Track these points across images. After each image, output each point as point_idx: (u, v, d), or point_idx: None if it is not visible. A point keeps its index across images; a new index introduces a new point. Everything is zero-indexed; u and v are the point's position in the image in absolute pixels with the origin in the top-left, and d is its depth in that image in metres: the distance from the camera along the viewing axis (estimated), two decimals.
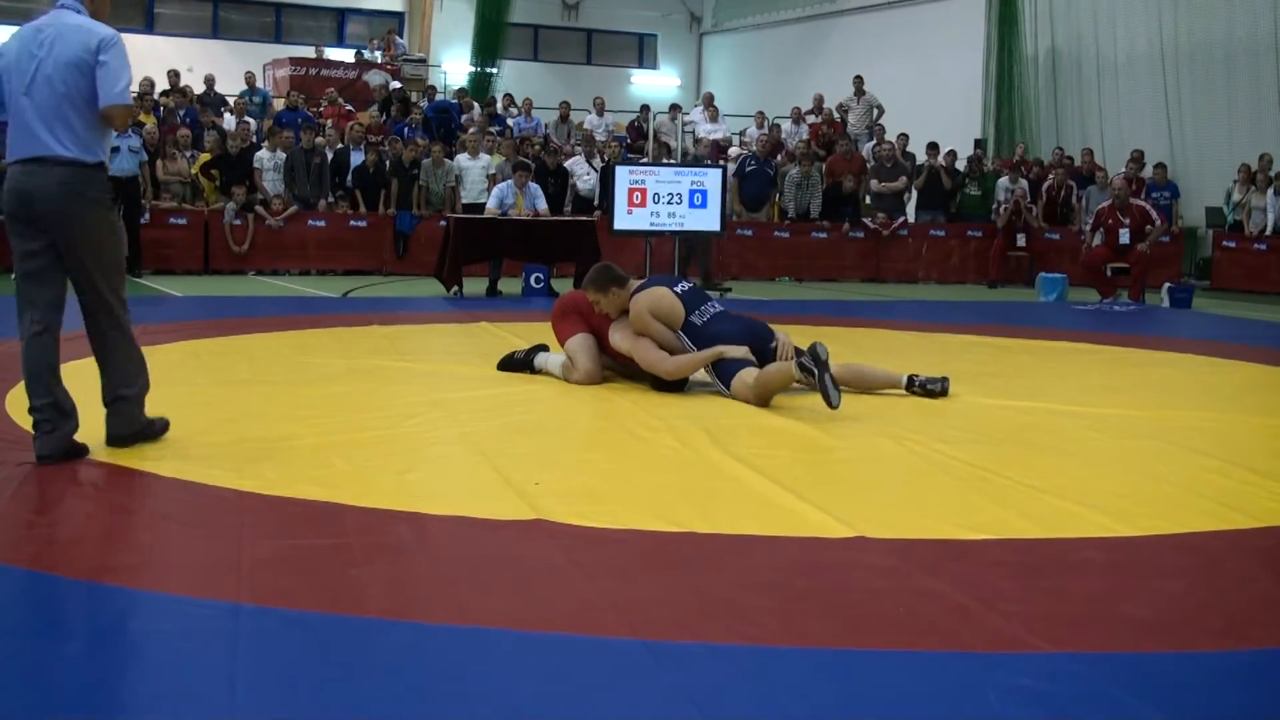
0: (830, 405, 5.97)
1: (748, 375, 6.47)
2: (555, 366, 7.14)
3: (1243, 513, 4.49)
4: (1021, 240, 16.97)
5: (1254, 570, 3.94)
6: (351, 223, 15.56)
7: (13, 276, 4.92)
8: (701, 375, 6.84)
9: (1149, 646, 3.20)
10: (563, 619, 3.27)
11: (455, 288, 12.77)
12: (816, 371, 6.01)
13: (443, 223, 13.90)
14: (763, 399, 6.38)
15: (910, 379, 6.79)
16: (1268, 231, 16.59)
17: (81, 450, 4.89)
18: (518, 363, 7.32)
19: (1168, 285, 14.11)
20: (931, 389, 6.72)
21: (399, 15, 27.00)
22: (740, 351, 6.61)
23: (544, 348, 7.36)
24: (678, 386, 6.78)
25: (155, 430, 5.17)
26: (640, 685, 2.88)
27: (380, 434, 5.52)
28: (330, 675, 2.89)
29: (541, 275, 12.85)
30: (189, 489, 4.50)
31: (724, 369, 6.61)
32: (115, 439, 5.02)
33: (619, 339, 6.86)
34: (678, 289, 6.84)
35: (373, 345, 8.56)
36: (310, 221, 15.38)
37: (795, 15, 25.97)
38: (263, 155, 15.56)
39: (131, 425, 5.05)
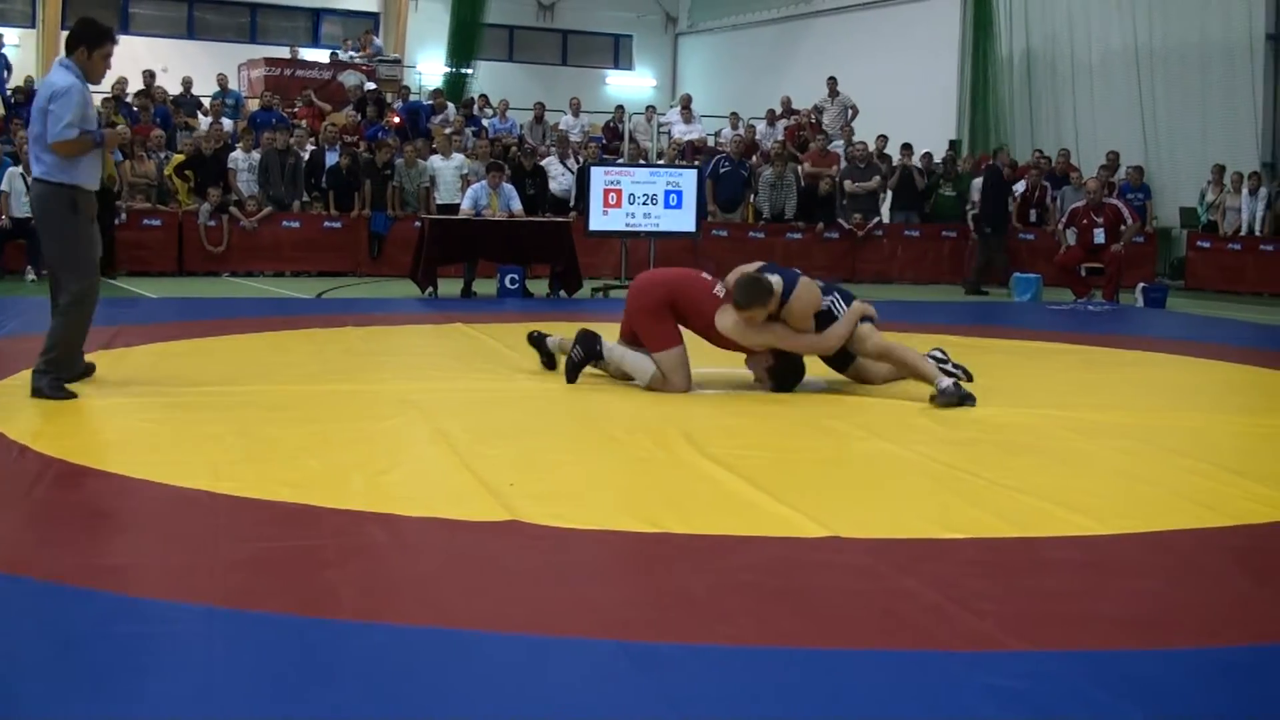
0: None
1: (874, 332, 6.73)
2: (639, 371, 6.77)
3: (1218, 512, 4.51)
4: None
5: (1229, 569, 3.96)
6: (326, 224, 15.49)
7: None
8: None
9: (1125, 645, 3.21)
10: (539, 620, 3.26)
11: (430, 289, 12.73)
12: (950, 387, 6.46)
13: (417, 224, 13.86)
14: (884, 356, 6.73)
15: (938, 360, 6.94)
16: (1243, 231, 16.70)
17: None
18: (580, 362, 6.88)
19: (1142, 285, 14.18)
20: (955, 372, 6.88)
21: (374, 16, 26.91)
22: (872, 309, 6.85)
23: (596, 336, 6.91)
24: (798, 378, 6.88)
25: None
26: (617, 686, 2.88)
27: (355, 435, 5.50)
28: (305, 677, 2.87)
29: (516, 276, 12.81)
30: (162, 491, 4.47)
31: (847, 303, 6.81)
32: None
33: (737, 332, 6.64)
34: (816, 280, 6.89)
35: (347, 346, 8.52)
36: (285, 223, 15.30)
37: (770, 16, 25.99)
38: (237, 156, 15.48)
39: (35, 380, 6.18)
